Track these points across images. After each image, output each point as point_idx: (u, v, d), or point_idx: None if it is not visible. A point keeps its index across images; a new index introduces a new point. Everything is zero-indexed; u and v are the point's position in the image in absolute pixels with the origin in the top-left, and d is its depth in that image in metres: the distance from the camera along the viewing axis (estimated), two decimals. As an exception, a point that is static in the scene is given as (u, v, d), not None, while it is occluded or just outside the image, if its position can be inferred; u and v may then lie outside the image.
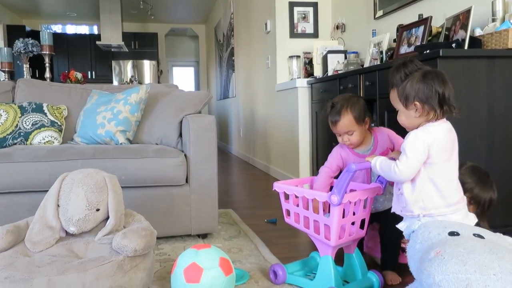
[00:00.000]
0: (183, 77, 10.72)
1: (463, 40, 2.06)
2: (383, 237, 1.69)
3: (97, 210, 1.47)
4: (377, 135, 1.74)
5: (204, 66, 9.97)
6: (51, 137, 2.36)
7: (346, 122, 1.65)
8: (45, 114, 2.40)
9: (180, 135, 2.31)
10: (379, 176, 1.52)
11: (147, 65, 8.62)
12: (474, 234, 1.08)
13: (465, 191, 1.46)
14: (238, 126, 6.26)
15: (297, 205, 1.64)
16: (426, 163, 1.31)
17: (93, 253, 1.45)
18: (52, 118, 2.42)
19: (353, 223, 1.56)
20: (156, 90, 2.60)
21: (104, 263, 1.35)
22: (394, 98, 1.38)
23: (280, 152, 4.25)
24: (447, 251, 0.99)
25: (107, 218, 1.50)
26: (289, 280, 1.63)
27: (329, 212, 1.48)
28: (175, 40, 10.41)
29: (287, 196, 1.67)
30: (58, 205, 1.47)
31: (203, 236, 2.23)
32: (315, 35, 4.17)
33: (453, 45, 2.03)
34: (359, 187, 1.65)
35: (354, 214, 1.53)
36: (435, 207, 1.32)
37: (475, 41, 2.06)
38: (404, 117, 1.36)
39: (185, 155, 2.15)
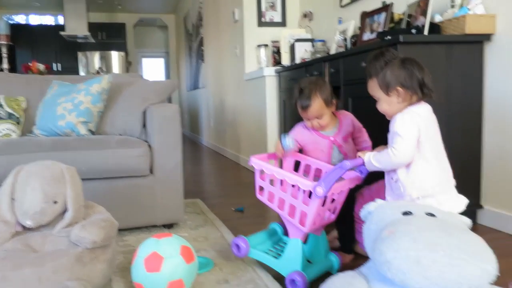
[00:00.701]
0: (153, 68, 10.54)
1: (423, 26, 2.10)
2: (341, 222, 1.71)
3: (55, 202, 1.42)
4: (341, 118, 1.75)
5: (174, 56, 9.83)
6: (9, 130, 2.27)
7: (316, 107, 1.64)
8: (1, 106, 2.31)
9: (144, 125, 2.27)
10: (360, 166, 1.48)
11: (115, 56, 8.41)
12: (426, 213, 1.11)
13: None
14: (209, 116, 6.22)
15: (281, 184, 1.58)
16: (417, 142, 1.33)
17: (51, 246, 1.42)
18: (10, 110, 2.33)
19: (330, 210, 1.58)
20: (119, 80, 2.54)
21: (62, 256, 1.32)
22: (374, 87, 1.40)
23: (249, 141, 4.25)
24: (399, 229, 1.01)
25: (66, 210, 1.46)
26: (253, 255, 1.63)
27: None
28: (144, 30, 10.21)
29: (262, 171, 1.62)
30: (13, 199, 1.42)
31: (169, 226, 2.21)
32: (283, 23, 4.17)
33: (413, 31, 2.07)
34: (325, 167, 1.67)
35: (332, 201, 1.53)
36: (431, 186, 1.34)
37: (435, 27, 2.10)
38: (386, 104, 1.38)
39: (149, 145, 2.12)
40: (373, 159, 1.38)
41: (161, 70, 10.62)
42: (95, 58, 8.34)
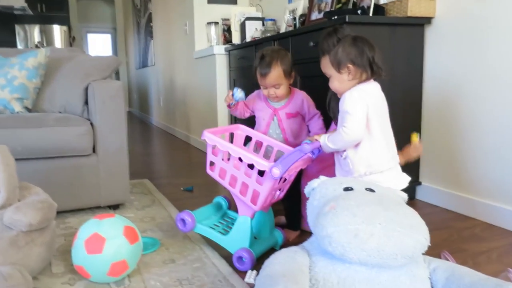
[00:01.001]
0: (99, 45, 10.05)
1: (368, 8, 2.13)
2: (288, 199, 1.74)
3: (-15, 184, 1.33)
4: (294, 95, 1.77)
5: (122, 33, 9.42)
6: None
7: (275, 75, 1.65)
8: None
9: (86, 102, 2.17)
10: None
11: (57, 31, 7.90)
12: (366, 189, 1.15)
13: None
14: (158, 95, 6.06)
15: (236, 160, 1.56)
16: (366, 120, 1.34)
17: (-18, 230, 1.33)
18: None
19: (280, 190, 1.59)
20: (58, 55, 2.40)
21: (-6, 239, 1.25)
22: (326, 65, 1.40)
23: (199, 121, 4.20)
24: (340, 205, 1.04)
25: (-1, 192, 1.37)
26: (199, 230, 1.61)
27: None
28: (88, 4, 9.66)
29: (214, 146, 1.58)
30: None
31: (115, 207, 2.15)
32: (233, 1, 4.09)
33: (359, 11, 2.10)
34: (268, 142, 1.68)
35: (284, 180, 1.54)
36: (379, 163, 1.36)
37: (379, 9, 2.15)
38: (337, 81, 1.39)
39: (91, 123, 2.03)
40: (327, 141, 1.38)
41: (108, 47, 10.14)
42: (35, 32, 7.80)
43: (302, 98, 1.77)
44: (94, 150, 2.03)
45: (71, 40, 8.33)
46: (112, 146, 2.04)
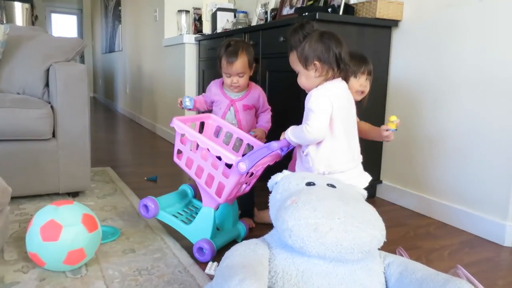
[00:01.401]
0: (64, 26, 9.67)
1: (339, 7, 2.16)
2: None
3: None
4: (251, 88, 1.80)
5: (89, 15, 9.11)
6: None
7: (241, 63, 1.68)
8: None
9: (47, 84, 2.09)
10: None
11: (19, 8, 7.53)
12: (327, 184, 1.17)
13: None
14: (125, 82, 5.91)
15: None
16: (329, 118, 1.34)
17: None
18: None
19: (246, 183, 1.58)
20: (19, 33, 2.29)
21: None
22: (294, 61, 1.39)
23: (166, 110, 4.14)
24: (301, 199, 1.06)
25: None
26: (162, 217, 1.59)
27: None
28: (54, -18, 9.28)
29: (183, 134, 1.56)
30: None
31: (74, 194, 2.09)
32: (205, -10, 4.04)
33: (329, 10, 2.12)
34: (245, 137, 1.69)
35: (251, 175, 1.53)
36: (339, 163, 1.36)
37: (349, 8, 2.18)
38: (304, 78, 1.38)
39: (51, 106, 1.96)
40: (290, 134, 1.39)
41: (73, 29, 9.78)
42: (-6, 8, 7.43)
43: (258, 93, 1.82)
44: (54, 134, 1.96)
45: (34, 19, 7.97)
46: (73, 131, 1.98)
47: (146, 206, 1.60)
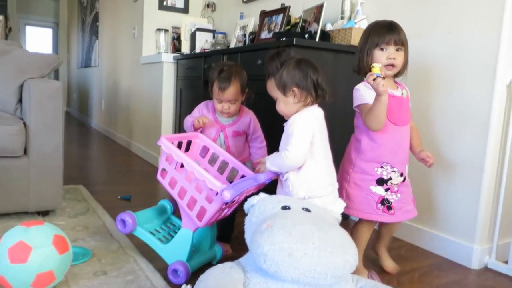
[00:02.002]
0: (39, 39, 9.53)
1: (315, 33, 2.23)
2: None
3: None
4: (242, 113, 1.78)
5: (65, 29, 9.01)
6: None
7: (234, 90, 1.65)
8: None
9: (21, 100, 2.05)
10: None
11: (-8, 20, 7.41)
12: (303, 208, 1.19)
13: None
14: (100, 98, 5.84)
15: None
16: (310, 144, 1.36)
17: None
18: None
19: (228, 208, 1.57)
20: (-7, 47, 2.26)
21: None
22: (272, 87, 1.41)
23: (142, 128, 4.11)
24: (277, 223, 1.07)
25: None
26: (139, 234, 1.57)
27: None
28: (30, -5, 9.17)
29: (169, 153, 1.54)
30: None
31: (44, 213, 2.04)
32: (185, 10, 4.08)
33: (306, 36, 2.18)
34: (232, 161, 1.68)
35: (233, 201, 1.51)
36: (318, 187, 1.37)
37: (325, 35, 2.25)
38: (283, 104, 1.40)
39: (24, 123, 1.92)
40: (268, 163, 1.39)
41: (48, 42, 9.65)
42: (-34, 19, 7.26)
43: (250, 118, 1.79)
44: (25, 151, 1.92)
45: (7, 31, 7.83)
46: (45, 148, 1.94)
47: (123, 221, 1.57)
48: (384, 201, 1.52)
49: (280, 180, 1.44)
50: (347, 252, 1.03)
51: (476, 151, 1.78)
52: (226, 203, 1.41)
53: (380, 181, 1.51)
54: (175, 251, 1.50)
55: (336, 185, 1.47)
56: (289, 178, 1.38)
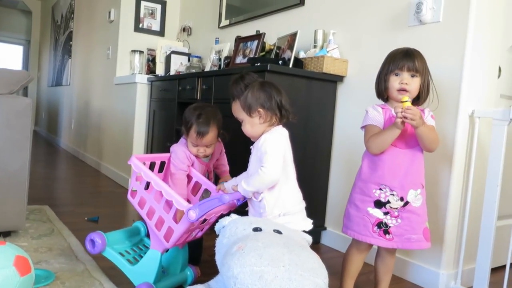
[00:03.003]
0: (9, 56, 9.32)
1: (289, 59, 2.29)
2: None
3: None
4: (216, 146, 1.77)
5: (37, 47, 8.86)
6: None
7: (213, 135, 1.63)
8: None
9: (-13, 117, 1.99)
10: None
11: (-40, 35, 7.23)
12: (274, 230, 1.20)
13: None
14: (70, 117, 5.73)
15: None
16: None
17: None
18: None
19: (199, 229, 1.56)
20: (-39, 62, 2.19)
21: None
22: (237, 109, 1.44)
23: (113, 149, 4.04)
24: (248, 245, 1.07)
25: None
26: (108, 254, 1.54)
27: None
28: (0, 11, 9.00)
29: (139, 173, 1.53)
30: None
31: (6, 234, 1.95)
32: (161, 33, 4.11)
33: (280, 62, 2.24)
34: (201, 179, 1.69)
35: (204, 221, 1.51)
36: (292, 205, 1.40)
37: (298, 62, 2.31)
38: (249, 125, 1.42)
39: (-11, 140, 1.86)
40: (245, 184, 1.38)
41: (18, 60, 9.45)
42: None
43: (221, 148, 1.82)
44: (-11, 170, 1.85)
45: (-24, 46, 7.64)
46: (11, 167, 1.88)
47: (92, 241, 1.54)
48: (381, 225, 1.47)
49: (252, 202, 1.45)
50: (317, 275, 1.04)
51: (442, 178, 1.85)
52: (194, 223, 1.39)
53: (378, 204, 1.47)
54: (143, 273, 1.47)
55: (303, 204, 1.49)
56: (265, 197, 1.39)
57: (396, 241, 1.48)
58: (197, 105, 1.69)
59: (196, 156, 1.69)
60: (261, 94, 1.40)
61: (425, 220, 1.52)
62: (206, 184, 1.69)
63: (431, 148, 1.48)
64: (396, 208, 1.47)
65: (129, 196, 1.58)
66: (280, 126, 1.46)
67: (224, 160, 1.86)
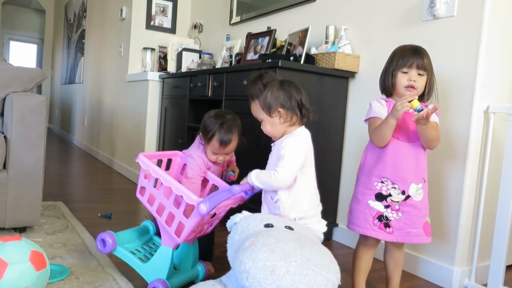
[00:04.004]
0: (23, 54, 9.46)
1: (300, 56, 2.28)
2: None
3: None
4: None
5: (50, 45, 8.97)
6: None
7: (235, 144, 1.64)
8: None
9: (2, 114, 2.02)
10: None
11: (-24, 34, 7.35)
12: (285, 226, 1.20)
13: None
14: (83, 114, 5.79)
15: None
16: (301, 167, 1.36)
17: None
18: None
19: (208, 223, 1.57)
20: (-24, 60, 2.23)
21: None
22: (257, 109, 1.42)
23: (125, 146, 4.07)
24: (259, 241, 1.07)
25: None
26: (119, 253, 1.55)
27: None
28: (15, 10, 9.13)
29: (148, 170, 1.53)
30: None
31: (21, 229, 1.98)
32: (172, 30, 4.13)
33: (291, 58, 2.23)
34: (217, 182, 1.68)
35: (213, 215, 1.52)
36: (308, 209, 1.38)
37: (310, 58, 2.30)
38: (269, 125, 1.41)
39: (5, 137, 1.89)
40: (255, 179, 1.37)
41: (32, 58, 9.58)
42: (-51, 32, 7.19)
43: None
44: (4, 165, 1.88)
45: (-9, 45, 7.76)
46: (26, 163, 1.91)
47: (103, 241, 1.55)
48: (381, 218, 1.47)
49: (267, 202, 1.43)
50: (329, 270, 1.04)
51: (456, 174, 1.82)
52: (205, 217, 1.40)
53: (380, 196, 1.47)
54: (155, 269, 1.48)
55: (320, 207, 1.47)
56: (280, 199, 1.36)
57: (396, 234, 1.48)
58: (217, 113, 1.66)
59: (214, 162, 1.69)
60: (281, 94, 1.37)
61: (426, 215, 1.52)
62: (223, 186, 1.68)
63: (431, 146, 1.47)
64: (397, 202, 1.47)
65: (137, 194, 1.59)
66: (303, 128, 1.43)
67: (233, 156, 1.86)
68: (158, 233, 1.72)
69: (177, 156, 1.75)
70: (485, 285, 1.78)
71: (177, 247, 1.54)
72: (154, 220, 1.75)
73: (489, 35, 1.75)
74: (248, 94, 1.46)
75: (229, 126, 1.61)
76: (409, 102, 1.36)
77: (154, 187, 1.55)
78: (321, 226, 1.44)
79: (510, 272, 1.84)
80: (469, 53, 1.78)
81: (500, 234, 1.69)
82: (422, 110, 1.35)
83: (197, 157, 1.67)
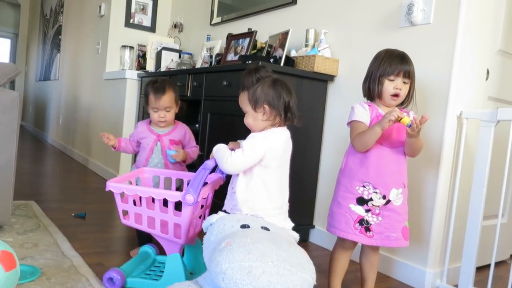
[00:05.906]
0: (-4, 49, 9.18)
1: (280, 58, 2.29)
2: None
3: None
4: (178, 123, 1.94)
5: (25, 40, 8.74)
6: None
7: (169, 98, 1.81)
8: None
9: (-27, 110, 1.95)
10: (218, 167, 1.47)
11: None
12: (261, 227, 1.20)
13: None
14: (58, 112, 5.66)
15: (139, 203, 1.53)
16: (261, 166, 1.36)
17: None
18: None
19: (200, 217, 1.57)
20: None
21: None
22: (244, 100, 1.42)
23: (102, 145, 4.00)
24: (236, 241, 1.07)
25: None
26: (132, 283, 1.52)
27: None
28: (-11, 4, 8.86)
29: (122, 194, 1.52)
30: None
31: (-9, 229, 1.93)
32: (152, 29, 4.09)
33: (271, 60, 2.24)
34: (187, 175, 1.72)
35: (202, 207, 1.54)
36: (262, 209, 1.37)
37: (290, 60, 2.32)
38: (251, 119, 1.40)
39: (-25, 134, 1.83)
40: (215, 151, 1.40)
41: (5, 53, 9.30)
42: None
43: (185, 129, 1.92)
44: (-26, 163, 1.82)
45: (-37, 39, 7.50)
46: (-3, 161, 1.85)
47: (111, 279, 1.50)
48: (362, 222, 1.48)
49: (229, 191, 1.45)
50: (305, 270, 1.04)
51: (429, 178, 1.87)
52: (195, 208, 1.42)
53: (361, 201, 1.48)
54: (172, 279, 1.45)
55: (287, 207, 1.47)
56: (236, 192, 1.38)
57: (376, 238, 1.50)
58: (153, 78, 1.89)
59: (149, 126, 1.87)
60: (271, 91, 1.37)
61: (405, 219, 1.54)
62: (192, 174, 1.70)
63: (415, 155, 1.51)
64: (378, 206, 1.48)
65: (123, 221, 1.56)
66: (284, 128, 1.42)
67: (193, 143, 1.94)
68: (160, 253, 1.72)
69: (143, 172, 1.77)
70: (456, 286, 1.83)
71: (182, 250, 1.53)
72: (151, 243, 1.77)
73: (464, 43, 1.80)
74: (240, 84, 1.45)
75: (161, 82, 1.84)
76: (400, 120, 1.37)
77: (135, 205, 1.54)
78: (285, 225, 1.43)
79: (480, 273, 1.89)
80: (444, 60, 1.83)
81: (471, 236, 1.74)
82: (410, 126, 1.36)
83: (139, 125, 1.92)
